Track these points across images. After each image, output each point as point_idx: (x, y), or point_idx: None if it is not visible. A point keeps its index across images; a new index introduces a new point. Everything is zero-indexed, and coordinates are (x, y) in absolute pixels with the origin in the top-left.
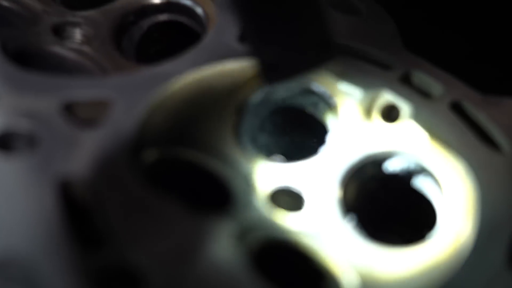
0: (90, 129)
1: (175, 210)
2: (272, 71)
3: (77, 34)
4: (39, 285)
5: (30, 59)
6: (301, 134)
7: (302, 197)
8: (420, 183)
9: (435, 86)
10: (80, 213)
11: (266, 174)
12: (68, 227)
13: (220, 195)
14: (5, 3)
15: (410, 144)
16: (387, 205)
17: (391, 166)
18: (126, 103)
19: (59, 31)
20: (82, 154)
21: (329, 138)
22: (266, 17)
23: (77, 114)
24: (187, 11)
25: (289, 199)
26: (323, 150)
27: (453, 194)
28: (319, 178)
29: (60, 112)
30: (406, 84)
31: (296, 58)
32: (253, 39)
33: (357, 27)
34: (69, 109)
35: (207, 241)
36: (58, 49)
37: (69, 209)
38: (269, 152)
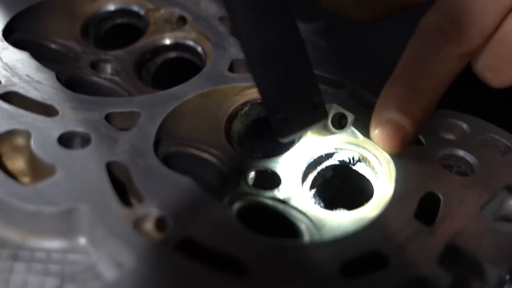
0: (125, 131)
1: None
2: (284, 128)
3: (108, 68)
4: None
5: (76, 87)
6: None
7: (279, 177)
8: (361, 168)
9: (374, 100)
10: (118, 182)
11: (251, 164)
12: (111, 187)
13: (220, 178)
14: (54, 46)
15: (354, 142)
16: (338, 184)
17: (341, 157)
18: (149, 114)
19: (95, 66)
20: (120, 147)
21: (297, 140)
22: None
23: (115, 122)
24: (191, 49)
25: (268, 177)
26: (293, 148)
27: (382, 174)
28: (291, 166)
29: (103, 120)
30: (353, 99)
31: (303, 116)
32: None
33: (319, 59)
34: (109, 118)
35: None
36: (96, 79)
37: (113, 180)
38: (253, 151)
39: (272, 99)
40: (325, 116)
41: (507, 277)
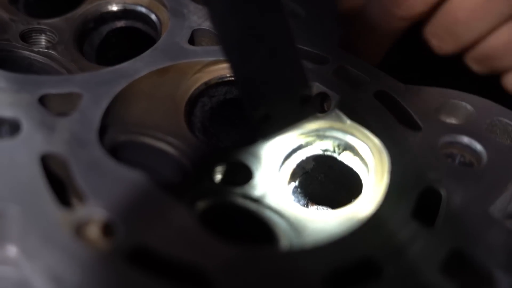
0: (63, 116)
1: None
2: (266, 126)
3: (43, 40)
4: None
5: (4, 62)
6: (245, 122)
7: (252, 171)
8: (348, 158)
9: (363, 78)
10: (55, 179)
11: (217, 155)
12: (46, 185)
13: (179, 172)
14: None
15: (340, 127)
16: (321, 178)
17: (324, 146)
18: (92, 96)
19: (26, 37)
20: (57, 135)
21: None
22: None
23: (52, 105)
24: (142, 17)
25: (237, 170)
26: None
27: (373, 166)
28: (264, 157)
29: (37, 103)
30: (339, 77)
31: (288, 112)
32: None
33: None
34: (44, 101)
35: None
36: (27, 53)
37: (50, 175)
38: (219, 140)
39: (252, 91)
40: (314, 112)
41: None
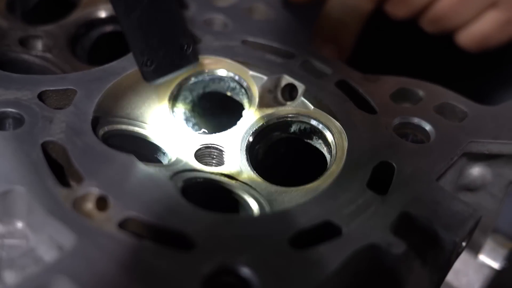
0: (60, 110)
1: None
2: (150, 71)
3: (39, 44)
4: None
5: (5, 65)
6: (223, 112)
7: (226, 152)
8: (313, 140)
9: (325, 69)
10: (54, 163)
11: (196, 140)
12: (48, 168)
13: (163, 156)
14: None
15: (305, 113)
16: (290, 158)
17: (291, 129)
18: (85, 92)
19: (25, 43)
20: (55, 126)
21: (244, 113)
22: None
23: (49, 101)
24: None
25: (214, 154)
26: (239, 122)
27: (334, 145)
28: (238, 140)
29: (36, 99)
30: (304, 69)
31: (170, 59)
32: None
33: (267, 28)
34: (43, 97)
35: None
36: (26, 57)
37: (50, 161)
38: (199, 127)
39: (136, 39)
40: (195, 59)
41: (463, 243)
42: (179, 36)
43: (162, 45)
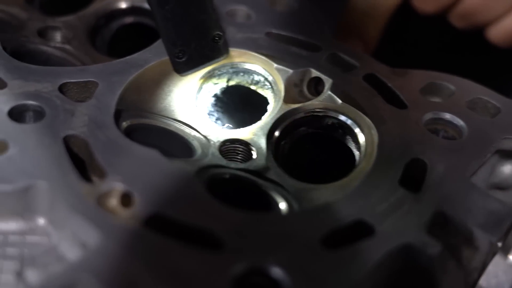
0: (81, 102)
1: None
2: (181, 62)
3: (58, 36)
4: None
5: (24, 57)
6: (247, 106)
7: (252, 147)
8: (341, 135)
9: (352, 63)
10: (80, 160)
11: (221, 134)
12: (70, 162)
13: (188, 151)
14: None
15: (333, 108)
16: (317, 154)
17: (319, 124)
18: (107, 84)
19: (43, 34)
20: (77, 119)
21: (269, 107)
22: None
23: (70, 93)
24: (149, 13)
25: (239, 149)
26: (264, 117)
27: (363, 141)
28: (264, 135)
29: (57, 91)
30: (331, 63)
31: (202, 51)
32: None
33: (291, 20)
34: (63, 89)
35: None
36: (45, 48)
37: (72, 155)
38: (223, 121)
39: (168, 31)
40: (226, 52)
41: (499, 244)
42: (211, 28)
43: (194, 37)
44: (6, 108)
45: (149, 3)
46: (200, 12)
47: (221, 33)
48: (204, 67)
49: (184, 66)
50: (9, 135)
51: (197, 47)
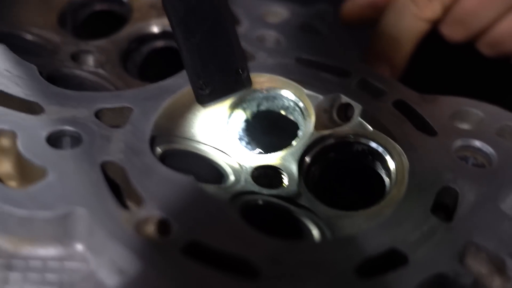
0: (117, 128)
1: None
2: (204, 94)
3: (91, 59)
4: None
5: (58, 81)
6: (278, 131)
7: (282, 173)
8: (371, 162)
9: (382, 89)
10: (115, 185)
11: (253, 160)
12: (108, 189)
13: (220, 176)
14: (31, 37)
15: (363, 134)
16: (347, 180)
17: (349, 151)
18: (141, 110)
19: (76, 58)
20: (113, 145)
21: (300, 133)
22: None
23: (106, 118)
24: None
25: (271, 175)
26: (295, 142)
27: (394, 168)
28: (295, 161)
29: (93, 117)
30: (360, 88)
31: (225, 83)
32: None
33: (320, 45)
34: (99, 115)
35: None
36: (78, 72)
37: (108, 181)
38: (254, 146)
39: (193, 63)
40: (249, 84)
41: None
42: (235, 60)
43: (218, 69)
44: (44, 133)
45: (175, 36)
46: (225, 45)
47: (244, 66)
48: (226, 99)
49: (207, 97)
50: (48, 161)
51: (221, 79)
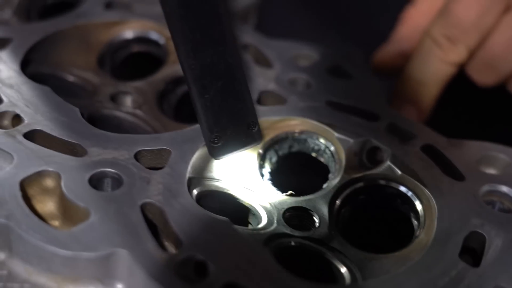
0: (155, 170)
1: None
2: (217, 147)
3: (129, 100)
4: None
5: (98, 122)
6: (308, 173)
7: (313, 215)
8: (400, 206)
9: (411, 133)
10: (153, 225)
11: (284, 201)
12: (148, 231)
13: (254, 217)
14: (72, 78)
15: (392, 178)
16: (377, 224)
17: (378, 195)
18: (179, 152)
19: (115, 99)
20: (152, 187)
21: (330, 176)
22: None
23: (144, 160)
24: None
25: (302, 217)
26: (326, 185)
27: (422, 213)
28: (325, 204)
29: (133, 159)
30: (389, 132)
31: (237, 137)
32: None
33: (349, 88)
34: (138, 157)
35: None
36: (117, 113)
37: (147, 222)
38: (285, 188)
39: (207, 118)
40: (259, 139)
41: None
42: (246, 116)
43: (230, 123)
44: (87, 175)
45: (190, 92)
46: (238, 101)
47: (255, 121)
48: (238, 152)
49: (219, 151)
50: (90, 202)
51: (233, 134)
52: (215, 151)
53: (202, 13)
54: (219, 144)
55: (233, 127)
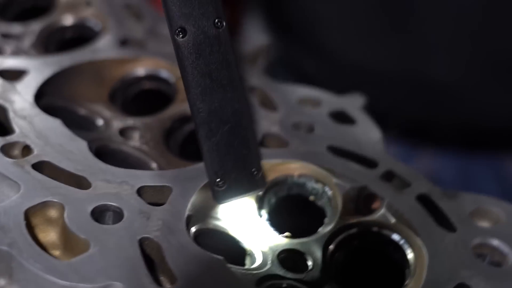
0: (156, 206)
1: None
2: (220, 192)
3: (137, 136)
4: None
5: (105, 155)
6: (304, 216)
7: (307, 258)
8: (392, 253)
9: (408, 182)
10: (150, 260)
11: (279, 243)
12: (144, 266)
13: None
14: (83, 112)
15: (386, 225)
16: (370, 270)
17: (371, 241)
18: (180, 190)
19: (124, 133)
20: (152, 223)
21: (326, 220)
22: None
23: (146, 196)
24: None
25: (296, 259)
26: (321, 228)
27: (413, 261)
28: (319, 247)
29: (135, 194)
30: (386, 180)
31: (241, 183)
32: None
33: (350, 133)
34: (141, 192)
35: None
36: (125, 148)
37: (145, 257)
38: (282, 229)
39: (212, 161)
40: (263, 185)
41: None
42: (251, 162)
43: (235, 168)
44: (90, 208)
45: (197, 134)
46: (243, 146)
47: (259, 167)
48: (241, 198)
49: (222, 195)
50: (91, 234)
51: (237, 178)
52: (219, 195)
53: (213, 60)
54: (223, 188)
55: (237, 172)
